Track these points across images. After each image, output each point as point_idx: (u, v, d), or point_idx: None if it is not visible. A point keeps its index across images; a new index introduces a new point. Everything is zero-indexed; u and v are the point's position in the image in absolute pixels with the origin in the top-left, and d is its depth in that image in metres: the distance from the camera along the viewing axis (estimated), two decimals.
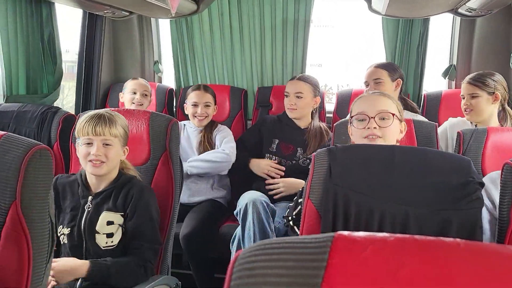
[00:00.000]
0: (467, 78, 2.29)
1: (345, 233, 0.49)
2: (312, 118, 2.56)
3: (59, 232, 1.65)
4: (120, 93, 2.93)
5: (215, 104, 2.69)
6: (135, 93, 2.80)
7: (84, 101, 3.10)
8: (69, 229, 1.64)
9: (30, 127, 2.20)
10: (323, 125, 2.57)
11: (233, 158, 2.55)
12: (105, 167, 1.62)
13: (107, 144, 1.62)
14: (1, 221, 1.14)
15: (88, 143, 1.60)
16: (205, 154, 2.55)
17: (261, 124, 2.71)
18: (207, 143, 2.59)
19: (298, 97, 2.48)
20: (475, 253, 0.45)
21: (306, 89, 2.49)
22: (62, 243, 1.66)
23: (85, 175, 1.69)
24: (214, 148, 2.59)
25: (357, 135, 1.60)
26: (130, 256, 1.62)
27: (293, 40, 3.27)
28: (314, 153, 1.38)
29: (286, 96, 2.53)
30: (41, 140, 2.19)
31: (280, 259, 0.48)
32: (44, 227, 1.19)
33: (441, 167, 1.25)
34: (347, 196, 1.26)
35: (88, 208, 1.64)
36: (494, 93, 2.22)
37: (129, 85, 2.85)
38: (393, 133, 1.56)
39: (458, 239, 0.47)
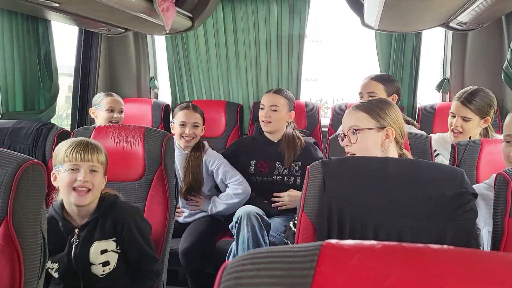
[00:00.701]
0: (462, 97, 2.17)
1: (333, 241, 0.49)
2: (285, 131, 2.52)
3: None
4: (90, 108, 2.81)
5: (203, 124, 2.56)
6: (112, 110, 2.71)
7: (80, 117, 3.11)
8: (57, 264, 1.56)
9: (25, 143, 2.19)
10: (296, 132, 2.53)
11: (245, 189, 2.45)
12: (90, 195, 1.55)
13: (93, 171, 1.56)
14: None
15: (74, 169, 1.53)
16: (223, 199, 2.47)
17: (235, 145, 2.67)
18: (192, 169, 2.47)
19: (273, 110, 2.45)
20: (463, 259, 0.45)
21: (281, 103, 2.46)
22: (51, 276, 1.59)
23: (63, 208, 1.60)
24: (202, 172, 2.49)
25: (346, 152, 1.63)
26: (140, 280, 1.65)
27: (288, 55, 3.31)
28: (308, 166, 1.38)
29: (262, 109, 2.50)
30: (35, 156, 2.18)
31: (268, 268, 0.47)
32: (36, 243, 1.18)
33: (434, 179, 1.25)
34: (342, 208, 1.25)
35: (75, 242, 1.56)
36: (485, 117, 2.16)
37: (105, 102, 2.74)
38: (367, 147, 1.55)
39: (445, 246, 0.47)
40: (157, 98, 3.67)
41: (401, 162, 1.34)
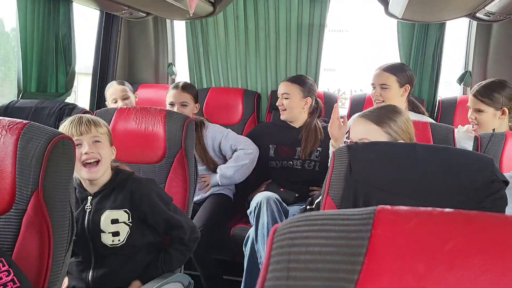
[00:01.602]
0: (474, 89, 2.16)
1: (387, 206, 0.48)
2: (307, 118, 2.52)
3: None
4: (106, 102, 2.83)
5: (195, 103, 2.52)
6: (116, 101, 2.72)
7: (98, 100, 3.13)
8: None
9: (47, 123, 2.22)
10: (319, 124, 2.52)
11: (255, 150, 2.49)
12: (101, 167, 1.55)
13: (97, 141, 1.55)
14: (23, 208, 1.15)
15: (77, 145, 1.51)
16: (231, 163, 2.47)
17: (253, 131, 2.68)
18: (196, 146, 2.43)
19: (285, 98, 2.46)
20: None
21: (292, 90, 2.45)
22: None
23: (79, 179, 1.61)
24: (206, 149, 2.51)
25: None
26: (176, 244, 1.67)
27: (308, 44, 3.28)
28: (334, 150, 1.38)
29: (278, 97, 2.52)
30: None
31: (323, 229, 0.47)
32: (64, 216, 1.19)
33: (464, 166, 1.24)
34: (368, 192, 1.25)
35: (88, 208, 1.58)
36: (502, 108, 2.10)
37: (108, 95, 2.77)
38: None
39: (507, 213, 0.46)
40: None
41: (430, 148, 1.33)
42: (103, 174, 1.58)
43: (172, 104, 2.46)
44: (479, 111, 2.11)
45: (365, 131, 1.58)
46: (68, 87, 2.68)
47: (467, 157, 1.28)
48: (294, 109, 2.48)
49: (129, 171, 1.70)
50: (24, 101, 2.36)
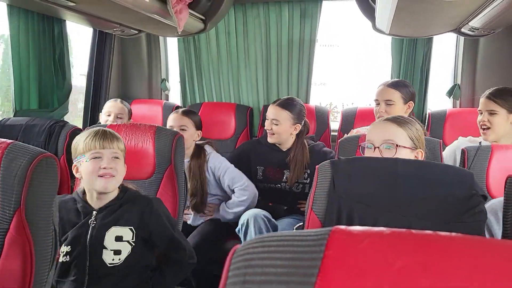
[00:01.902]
0: (488, 93, 2.17)
1: (342, 227, 0.50)
2: (295, 141, 2.46)
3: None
4: (100, 113, 2.91)
5: (198, 129, 2.49)
6: (109, 115, 2.77)
7: (92, 116, 3.15)
8: (69, 247, 1.56)
9: (38, 140, 2.23)
10: (306, 146, 2.46)
11: (253, 192, 2.42)
12: (115, 181, 1.57)
13: (116, 158, 1.58)
14: (5, 227, 1.15)
15: (96, 157, 1.55)
16: (230, 210, 2.44)
17: (238, 156, 2.61)
18: (195, 178, 2.42)
19: (275, 124, 2.38)
20: (470, 246, 0.45)
21: (283, 117, 2.37)
22: (59, 261, 1.57)
23: (83, 192, 1.62)
24: (206, 181, 2.46)
25: None
26: (173, 264, 1.67)
27: (299, 59, 3.32)
28: (317, 166, 1.39)
29: (267, 119, 2.44)
30: None
31: (278, 251, 0.48)
32: (47, 235, 1.20)
33: (444, 180, 1.25)
34: (351, 207, 1.26)
35: (93, 224, 1.57)
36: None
37: (105, 106, 2.83)
38: None
39: (453, 233, 0.47)
40: (167, 100, 3.70)
41: (410, 163, 1.34)
42: (115, 187, 1.61)
43: (172, 128, 2.42)
44: (492, 113, 2.11)
45: (392, 133, 1.55)
46: (63, 100, 2.71)
47: (446, 172, 1.29)
48: (283, 135, 2.42)
49: (135, 189, 1.71)
50: (15, 118, 2.38)
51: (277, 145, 2.48)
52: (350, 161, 1.36)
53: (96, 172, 1.54)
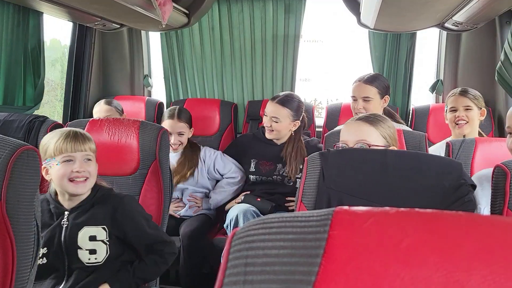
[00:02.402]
0: (458, 91, 2.29)
1: (345, 207, 0.48)
2: (291, 135, 2.48)
3: None
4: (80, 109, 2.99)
5: (190, 128, 2.59)
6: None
7: (72, 113, 3.08)
8: (45, 248, 1.53)
9: (17, 136, 2.15)
10: (303, 142, 2.48)
11: (240, 175, 2.52)
12: (88, 183, 1.56)
13: (88, 159, 1.56)
14: None
15: (68, 160, 1.52)
16: (219, 192, 2.52)
17: (235, 146, 2.66)
18: (188, 163, 2.53)
19: (274, 121, 2.38)
20: (478, 223, 0.44)
21: (283, 115, 2.38)
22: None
23: (55, 194, 1.59)
24: (198, 167, 2.55)
25: None
26: (152, 255, 1.63)
27: (283, 55, 3.31)
28: (307, 158, 1.38)
29: (265, 115, 2.44)
30: None
31: (281, 232, 0.46)
32: (29, 230, 1.15)
33: (433, 170, 1.26)
34: (341, 199, 1.25)
35: (65, 224, 1.55)
36: (481, 108, 2.27)
37: (94, 112, 2.88)
38: None
39: (459, 211, 0.46)
40: (150, 96, 3.64)
41: (400, 154, 1.34)
42: (89, 189, 1.58)
43: (169, 133, 2.42)
44: (467, 108, 2.25)
45: (365, 133, 1.56)
46: (36, 100, 2.61)
47: (436, 162, 1.29)
48: (282, 132, 2.42)
49: (108, 187, 1.68)
50: None
51: (274, 139, 2.48)
52: (339, 153, 1.35)
53: (68, 176, 1.51)
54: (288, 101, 2.40)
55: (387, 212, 0.46)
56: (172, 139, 2.46)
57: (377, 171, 1.27)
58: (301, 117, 2.45)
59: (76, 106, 3.11)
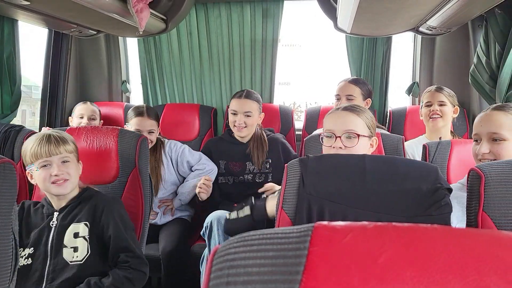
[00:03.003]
0: (434, 87, 2.39)
1: (325, 222, 0.49)
2: (255, 131, 2.52)
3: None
4: (69, 117, 2.99)
5: (158, 126, 2.56)
6: (82, 117, 2.88)
7: (48, 121, 3.03)
8: (32, 248, 1.57)
9: None
10: (262, 132, 2.54)
11: (211, 166, 2.50)
12: (69, 184, 1.60)
13: (65, 161, 1.59)
14: None
15: (45, 165, 1.56)
16: (190, 181, 2.48)
17: (204, 152, 2.64)
18: (155, 165, 2.47)
19: (247, 115, 2.43)
20: (453, 236, 0.46)
21: (254, 108, 2.44)
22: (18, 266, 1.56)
23: (49, 198, 1.65)
24: (160, 170, 2.49)
25: (325, 152, 1.62)
26: (121, 270, 1.59)
27: (262, 59, 3.32)
28: (286, 164, 1.39)
29: (234, 114, 2.46)
30: None
31: (261, 249, 0.47)
32: (7, 245, 1.13)
33: (410, 174, 1.28)
34: (321, 205, 1.26)
35: (54, 224, 1.59)
36: (455, 106, 2.37)
37: (77, 110, 2.94)
38: (359, 152, 1.56)
39: (435, 225, 0.47)
40: (129, 102, 3.61)
41: (377, 159, 1.36)
42: (71, 190, 1.63)
43: (138, 131, 2.41)
44: (442, 104, 2.34)
45: (353, 123, 1.58)
46: (13, 107, 2.56)
47: (412, 166, 1.32)
48: (254, 126, 2.49)
49: (96, 190, 1.74)
50: None
51: (238, 138, 2.49)
52: (318, 159, 1.36)
53: (49, 180, 1.56)
54: (253, 94, 2.50)
55: (365, 227, 0.47)
56: None
57: (356, 177, 1.29)
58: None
59: (52, 114, 3.06)
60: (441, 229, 0.46)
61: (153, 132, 2.48)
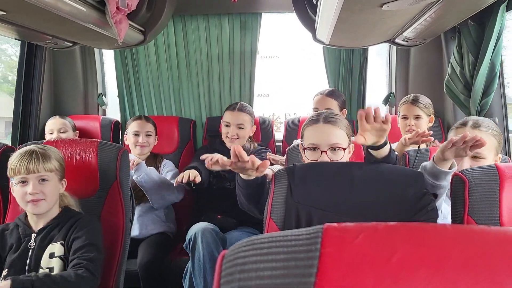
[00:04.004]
0: (409, 99, 2.46)
1: (334, 224, 0.48)
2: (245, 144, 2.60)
3: None
4: (31, 130, 2.98)
5: (156, 135, 2.73)
6: (52, 133, 2.89)
7: (21, 135, 2.94)
8: (6, 270, 1.52)
9: None
10: (255, 145, 2.63)
11: (181, 194, 2.55)
12: (44, 204, 1.55)
13: (43, 180, 1.55)
14: None
15: (23, 182, 1.53)
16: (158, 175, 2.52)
17: (197, 156, 2.65)
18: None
19: (240, 128, 2.52)
20: (463, 235, 0.46)
21: (246, 120, 2.54)
22: None
23: (25, 215, 1.61)
24: None
25: None
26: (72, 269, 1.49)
27: (241, 71, 3.33)
28: (273, 173, 1.39)
29: (226, 125, 2.55)
30: None
31: (271, 252, 0.46)
32: None
33: (396, 181, 1.30)
34: (309, 213, 1.26)
35: (32, 246, 1.54)
36: (430, 116, 2.45)
37: (46, 126, 2.94)
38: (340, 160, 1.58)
39: (446, 224, 0.47)
40: (105, 115, 3.54)
41: (364, 166, 1.38)
42: (47, 209, 1.58)
43: (136, 134, 2.63)
44: (417, 117, 2.41)
45: (337, 137, 1.58)
46: None
47: (398, 173, 1.34)
48: (245, 138, 2.56)
49: (77, 211, 1.69)
50: None
51: (229, 148, 2.49)
52: (305, 167, 1.37)
53: (24, 198, 1.52)
54: (246, 107, 2.59)
55: (376, 227, 0.47)
56: (140, 139, 2.61)
57: (343, 184, 1.30)
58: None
59: (26, 128, 2.97)
60: (451, 227, 0.47)
61: (150, 135, 2.67)
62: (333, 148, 1.57)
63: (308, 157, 1.60)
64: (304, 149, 1.62)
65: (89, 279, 1.48)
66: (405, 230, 0.46)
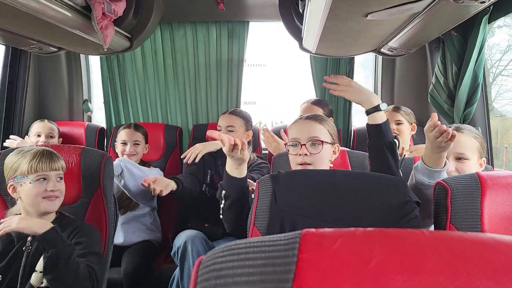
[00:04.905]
0: (391, 107, 2.52)
1: (312, 230, 0.48)
2: None
3: None
4: (26, 136, 2.91)
5: (146, 143, 2.73)
6: (39, 135, 2.85)
7: (4, 140, 2.89)
8: (0, 276, 1.50)
9: None
10: (255, 156, 2.58)
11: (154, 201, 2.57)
12: (58, 202, 1.62)
13: (60, 178, 1.63)
14: None
15: (43, 179, 1.57)
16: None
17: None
18: None
19: (230, 130, 2.47)
20: (441, 240, 0.46)
21: (237, 123, 2.49)
22: None
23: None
24: None
25: (292, 161, 1.64)
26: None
27: (228, 78, 3.33)
28: (258, 180, 1.38)
29: (219, 130, 2.51)
30: None
31: (249, 258, 0.45)
32: None
33: (379, 189, 1.30)
34: (293, 220, 1.26)
35: (28, 249, 1.54)
36: (412, 124, 2.49)
37: (33, 128, 2.89)
38: (323, 159, 1.61)
39: (423, 229, 0.47)
40: (90, 121, 3.51)
41: (348, 174, 1.38)
42: (58, 208, 1.64)
43: (124, 143, 2.63)
44: (398, 122, 2.46)
45: (316, 130, 1.62)
46: None
47: (381, 181, 1.34)
48: None
49: (73, 218, 1.73)
50: None
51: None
52: (290, 175, 1.37)
53: (42, 194, 1.56)
54: (239, 111, 2.57)
55: (354, 233, 0.46)
56: (127, 148, 2.60)
57: (327, 192, 1.30)
58: (251, 129, 2.58)
59: (7, 133, 2.92)
60: (429, 233, 0.47)
61: (138, 144, 2.66)
62: (313, 143, 1.60)
63: (290, 152, 1.65)
64: (286, 146, 1.68)
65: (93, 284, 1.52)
66: (383, 235, 0.46)
